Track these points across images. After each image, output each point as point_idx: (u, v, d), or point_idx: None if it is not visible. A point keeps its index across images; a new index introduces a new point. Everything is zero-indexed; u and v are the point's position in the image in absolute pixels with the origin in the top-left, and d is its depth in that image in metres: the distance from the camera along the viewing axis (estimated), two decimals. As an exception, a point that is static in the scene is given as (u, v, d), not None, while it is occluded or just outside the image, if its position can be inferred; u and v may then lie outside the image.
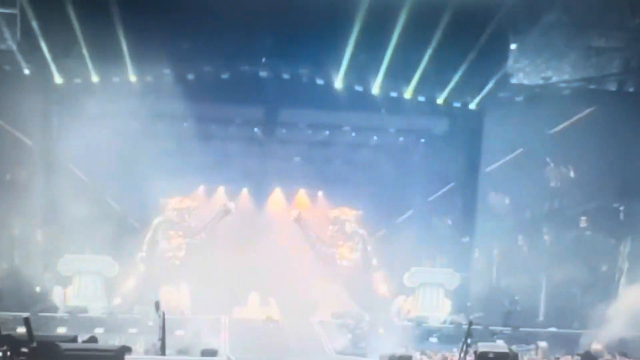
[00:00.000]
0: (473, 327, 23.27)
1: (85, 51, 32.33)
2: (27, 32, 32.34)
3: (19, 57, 33.16)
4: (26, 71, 33.63)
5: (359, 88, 34.62)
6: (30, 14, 31.59)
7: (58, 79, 33.85)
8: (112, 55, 32.27)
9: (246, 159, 37.51)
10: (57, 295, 34.99)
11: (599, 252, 36.83)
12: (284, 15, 31.85)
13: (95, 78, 33.62)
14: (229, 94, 34.35)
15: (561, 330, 35.15)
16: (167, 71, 33.80)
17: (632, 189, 35.56)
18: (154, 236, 37.77)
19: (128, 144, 34.59)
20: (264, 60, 34.25)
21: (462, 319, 34.60)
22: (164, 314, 21.17)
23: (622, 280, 36.61)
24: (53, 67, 33.31)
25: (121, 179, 35.31)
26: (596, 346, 31.27)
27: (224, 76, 34.12)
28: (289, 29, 32.38)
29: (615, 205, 36.33)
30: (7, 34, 32.73)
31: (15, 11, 32.14)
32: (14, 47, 33.02)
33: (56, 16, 31.22)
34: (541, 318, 36.71)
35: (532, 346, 32.85)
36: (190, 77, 34.01)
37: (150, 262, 37.33)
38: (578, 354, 27.03)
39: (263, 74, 34.43)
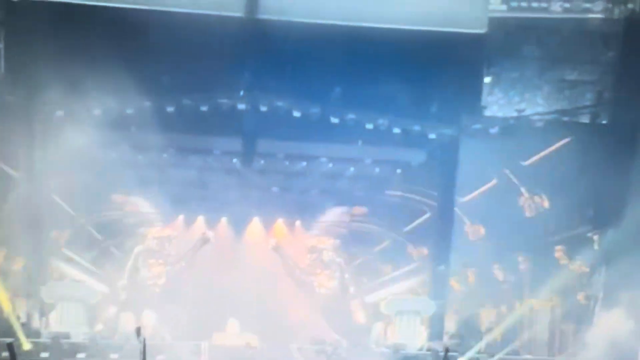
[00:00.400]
0: (449, 354, 23.76)
1: (67, 84, 32.37)
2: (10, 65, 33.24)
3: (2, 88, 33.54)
4: (9, 102, 33.81)
5: (335, 120, 34.71)
6: (13, 47, 32.48)
7: (41, 111, 34.03)
8: (94, 87, 32.34)
9: (225, 189, 37.61)
10: (40, 322, 35.15)
11: (574, 281, 37.12)
12: (261, 49, 32.71)
13: (77, 110, 33.64)
14: (208, 126, 34.56)
15: (537, 357, 35.70)
16: (147, 103, 33.95)
17: (605, 218, 35.96)
18: (134, 264, 37.94)
19: (109, 175, 34.96)
20: (242, 93, 34.44)
21: (438, 346, 34.68)
22: (144, 340, 21.54)
23: (597, 308, 37.11)
24: (36, 99, 33.51)
25: (102, 209, 35.76)
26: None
27: (203, 108, 34.24)
28: (267, 62, 33.02)
29: (589, 234, 36.52)
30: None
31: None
32: (-2, 79, 33.54)
33: (38, 49, 31.89)
34: (517, 345, 36.59)
35: None
36: (170, 109, 34.15)
37: (131, 289, 37.51)
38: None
39: (241, 106, 34.51)
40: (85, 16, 32.05)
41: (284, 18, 32.74)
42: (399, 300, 37.01)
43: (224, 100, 34.47)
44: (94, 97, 33.38)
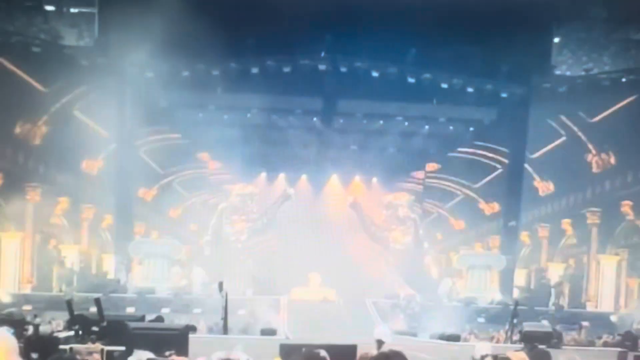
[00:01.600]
0: (519, 307, 24.46)
1: (157, 48, 33.21)
2: (104, 30, 34.27)
3: (96, 53, 34.57)
4: (102, 63, 34.73)
5: (411, 80, 35.61)
6: (106, 12, 33.78)
7: (132, 73, 35.03)
8: (182, 50, 33.50)
9: (305, 148, 38.93)
10: (126, 277, 36.24)
11: (641, 235, 38.01)
12: (341, 13, 33.53)
13: (166, 72, 34.74)
14: (290, 86, 35.54)
15: (604, 311, 36.21)
16: (233, 65, 35.15)
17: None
18: (218, 221, 39.11)
19: (196, 134, 36.45)
20: (323, 54, 35.49)
21: (508, 299, 35.10)
22: (226, 294, 22.49)
23: (664, 263, 37.80)
24: (127, 62, 34.52)
25: (188, 167, 36.88)
26: (637, 326, 32.48)
27: (286, 69, 35.33)
28: (347, 25, 33.79)
29: (656, 190, 37.27)
30: (85, 32, 34.90)
31: (94, 10, 34.40)
32: (91, 44, 34.88)
33: (130, 14, 32.56)
34: (584, 299, 37.67)
35: (576, 326, 32.82)
36: (255, 70, 35.26)
37: (214, 245, 38.70)
38: (619, 334, 26.59)
39: (322, 67, 35.57)
40: None
41: None
42: (470, 255, 38.07)
43: (306, 62, 35.56)
44: (182, 59, 34.58)
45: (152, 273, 36.58)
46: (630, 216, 37.09)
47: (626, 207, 37.01)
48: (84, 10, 34.57)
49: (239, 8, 33.15)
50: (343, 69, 35.69)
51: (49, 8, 34.56)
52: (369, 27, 33.69)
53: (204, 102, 36.38)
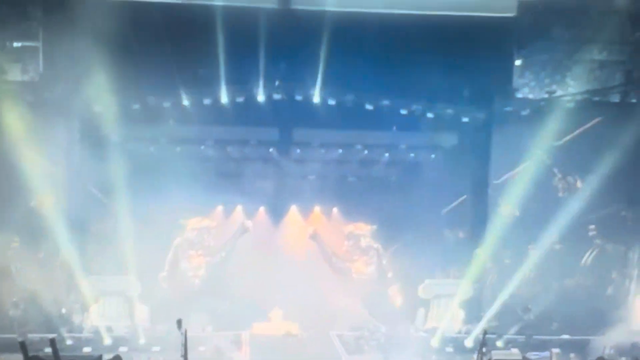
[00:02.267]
0: (487, 336, 23.97)
1: (104, 81, 32.83)
2: (49, 64, 33.64)
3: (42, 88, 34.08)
4: (48, 99, 34.32)
5: (369, 107, 35.19)
6: (50, 46, 32.93)
7: (80, 108, 34.36)
8: (131, 82, 33.03)
9: (262, 179, 38.21)
10: (81, 316, 35.62)
11: (609, 260, 37.44)
12: (295, 41, 33.10)
13: (114, 106, 34.04)
14: (245, 116, 35.21)
15: (574, 337, 35.50)
16: (184, 97, 34.60)
17: (638, 196, 36.34)
18: (174, 256, 38.22)
19: (148, 167, 35.27)
20: (277, 83, 34.92)
21: (476, 328, 35.04)
22: (186, 332, 22.10)
23: (632, 286, 37.28)
24: (74, 96, 33.92)
25: (141, 201, 35.99)
26: (608, 351, 32.06)
27: (239, 99, 34.89)
28: (301, 53, 33.47)
29: (623, 213, 36.89)
30: (29, 66, 33.99)
31: (38, 44, 33.57)
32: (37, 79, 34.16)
33: (75, 47, 31.94)
34: (554, 326, 36.79)
35: (546, 353, 33.30)
36: (207, 101, 34.81)
37: (171, 281, 37.83)
38: (591, 361, 26.72)
39: (277, 96, 35.12)
40: (120, 12, 31.84)
41: (316, 8, 33.02)
42: (436, 284, 37.31)
43: (260, 91, 34.92)
44: (131, 92, 33.97)
45: (108, 311, 35.95)
46: (598, 240, 37.02)
47: (593, 231, 36.87)
48: (27, 44, 33.64)
49: (189, 38, 32.62)
50: (298, 97, 35.14)
51: (-8, 43, 33.79)
52: (324, 54, 33.29)
53: (156, 136, 35.66)
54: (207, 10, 32.63)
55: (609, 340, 33.79)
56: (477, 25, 33.16)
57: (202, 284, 38.66)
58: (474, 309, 37.10)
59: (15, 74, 34.27)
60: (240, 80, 34.48)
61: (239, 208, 38.95)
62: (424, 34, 32.96)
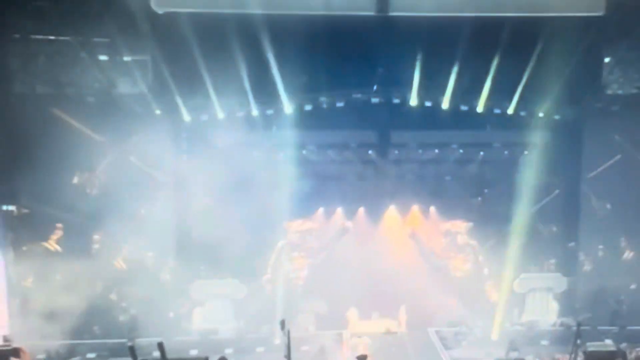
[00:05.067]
0: (582, 328, 24.39)
1: (210, 90, 34.55)
2: (157, 77, 34.72)
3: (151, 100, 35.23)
4: (157, 112, 35.61)
5: (464, 108, 36.04)
6: (160, 60, 34.16)
7: (186, 117, 35.92)
8: (235, 92, 34.36)
9: (362, 180, 39.20)
10: (189, 320, 36.72)
11: None
12: (391, 46, 33.95)
13: (220, 114, 35.70)
14: (344, 120, 36.04)
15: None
16: (286, 103, 35.59)
17: None
18: (278, 258, 39.10)
19: (252, 173, 36.12)
20: (375, 87, 35.92)
21: (571, 321, 35.69)
22: (289, 332, 22.19)
23: None
24: (182, 107, 35.45)
25: (246, 206, 36.86)
26: None
27: (339, 104, 35.84)
28: (398, 58, 34.36)
29: None
30: (139, 79, 35.17)
31: (147, 58, 34.77)
32: (146, 91, 35.18)
33: (183, 61, 33.62)
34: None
35: None
36: (308, 107, 35.88)
37: (275, 283, 38.49)
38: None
39: (375, 100, 36.08)
40: (223, 25, 32.78)
41: (412, 14, 33.41)
42: (531, 278, 37.77)
43: (358, 96, 36.04)
44: (235, 101, 35.23)
45: (214, 314, 36.80)
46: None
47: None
48: (137, 58, 34.78)
49: (289, 47, 33.14)
50: (396, 101, 36.04)
51: (103, 58, 34.86)
52: (419, 60, 34.17)
53: (259, 141, 36.61)
54: (307, 19, 33.02)
55: None
56: (566, 25, 33.25)
57: (305, 284, 39.60)
58: (568, 301, 37.51)
59: (125, 87, 35.26)
60: (340, 86, 35.35)
61: (339, 209, 39.94)
62: (515, 36, 33.32)
